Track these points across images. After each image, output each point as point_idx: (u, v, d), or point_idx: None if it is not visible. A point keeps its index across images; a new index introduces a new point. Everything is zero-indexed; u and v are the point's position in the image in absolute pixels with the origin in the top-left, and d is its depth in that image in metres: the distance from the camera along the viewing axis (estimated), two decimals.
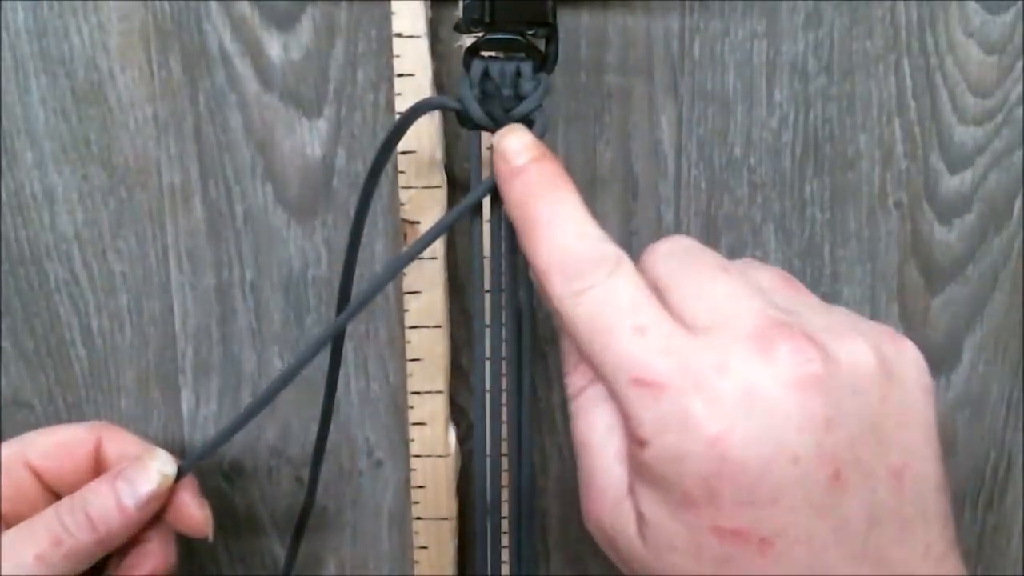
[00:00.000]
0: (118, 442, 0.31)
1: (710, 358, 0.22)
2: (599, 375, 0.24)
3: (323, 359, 0.36)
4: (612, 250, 0.24)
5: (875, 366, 0.22)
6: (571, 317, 0.24)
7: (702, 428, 0.21)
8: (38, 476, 0.30)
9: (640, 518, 0.23)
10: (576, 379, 0.26)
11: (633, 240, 0.36)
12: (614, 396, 0.23)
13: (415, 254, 0.29)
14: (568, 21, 0.34)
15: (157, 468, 0.29)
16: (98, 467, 0.31)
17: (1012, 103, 0.35)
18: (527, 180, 0.26)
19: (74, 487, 0.30)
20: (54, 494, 0.30)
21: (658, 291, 0.24)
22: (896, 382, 0.23)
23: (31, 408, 0.37)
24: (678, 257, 0.25)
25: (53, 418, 0.37)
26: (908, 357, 0.23)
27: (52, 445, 0.30)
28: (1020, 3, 0.34)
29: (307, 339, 0.36)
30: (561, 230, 0.25)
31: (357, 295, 0.29)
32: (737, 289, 0.24)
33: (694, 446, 0.22)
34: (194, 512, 0.30)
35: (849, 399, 0.22)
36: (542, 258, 0.25)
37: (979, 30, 0.34)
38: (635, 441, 0.23)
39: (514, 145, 0.26)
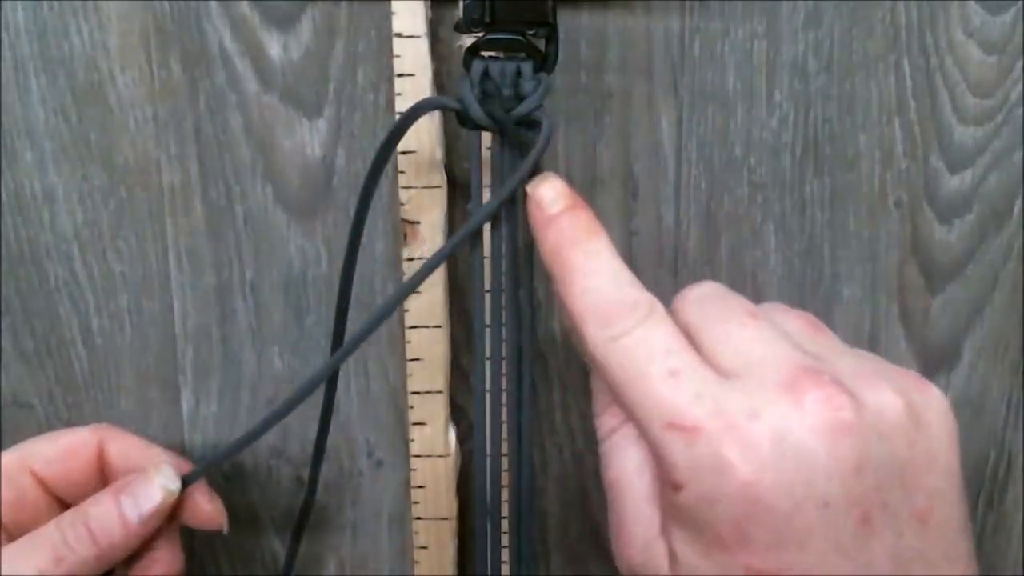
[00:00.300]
0: (121, 445, 0.31)
1: (743, 404, 0.22)
2: (632, 419, 0.24)
3: (324, 361, 0.36)
4: (645, 297, 0.25)
5: (902, 412, 0.23)
6: (606, 362, 0.24)
7: (736, 472, 0.22)
8: (41, 483, 0.30)
9: (673, 557, 0.24)
10: (606, 420, 0.27)
11: (633, 240, 0.36)
12: (647, 440, 0.24)
13: (416, 283, 0.29)
14: (568, 21, 0.34)
15: (161, 483, 0.29)
16: (101, 471, 0.31)
17: (1012, 103, 0.35)
18: (561, 228, 0.26)
19: (78, 492, 0.29)
20: (58, 500, 0.30)
21: (689, 336, 0.25)
22: (922, 427, 0.23)
23: (31, 408, 0.37)
24: (707, 303, 0.26)
25: (53, 418, 0.37)
26: (934, 403, 0.24)
27: (55, 451, 0.30)
28: (1020, 3, 0.34)
29: (308, 342, 0.36)
30: (595, 277, 0.25)
31: (353, 335, 0.28)
32: (766, 334, 0.24)
33: (728, 489, 0.22)
34: (205, 507, 0.30)
35: (877, 445, 0.22)
36: (576, 304, 0.25)
37: (979, 30, 0.34)
38: (669, 485, 0.23)
39: (548, 194, 0.27)
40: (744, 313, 0.25)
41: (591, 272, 0.25)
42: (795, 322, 0.26)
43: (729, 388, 0.23)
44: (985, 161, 0.36)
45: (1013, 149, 0.35)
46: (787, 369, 0.23)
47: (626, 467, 0.26)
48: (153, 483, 0.29)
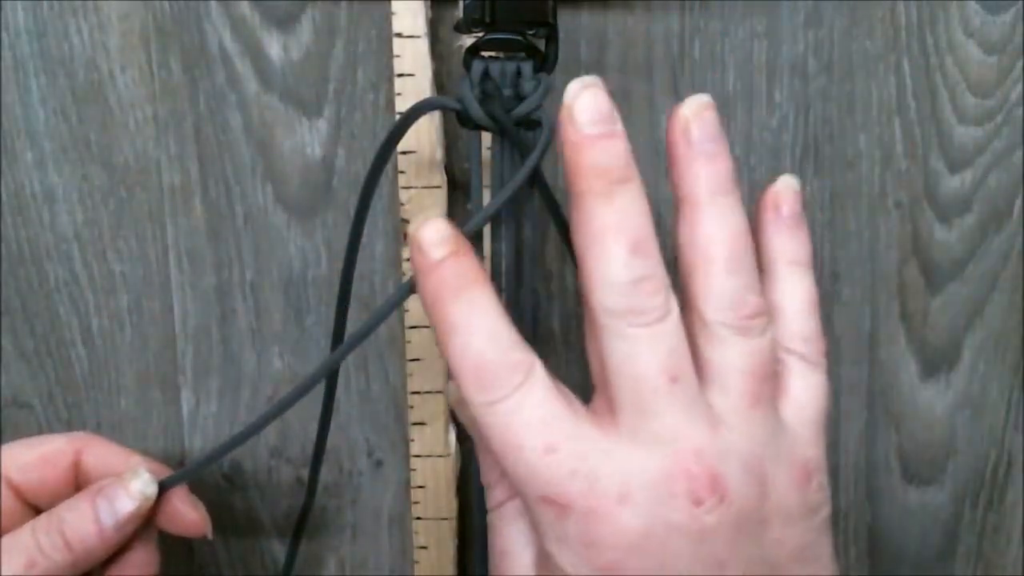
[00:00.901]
0: (100, 453, 0.30)
1: (617, 480, 0.23)
2: (513, 484, 0.25)
3: (323, 361, 0.36)
4: (524, 357, 0.24)
5: (777, 509, 0.24)
6: (486, 428, 0.24)
7: (600, 554, 0.23)
8: (16, 490, 0.29)
9: None
10: (497, 493, 0.27)
11: None
12: (526, 506, 0.24)
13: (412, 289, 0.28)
14: (568, 21, 0.34)
15: (138, 488, 0.28)
16: (79, 480, 0.30)
17: (1012, 103, 0.35)
18: (441, 277, 0.24)
19: (55, 501, 0.29)
20: (33, 508, 0.30)
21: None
22: (793, 521, 0.24)
23: (31, 408, 0.37)
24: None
25: (53, 418, 0.37)
26: (813, 496, 0.24)
27: (32, 459, 0.29)
28: (1020, 3, 0.34)
29: (308, 342, 0.36)
30: (474, 334, 0.24)
31: (347, 339, 0.28)
32: (681, 405, 0.23)
33: (590, 570, 0.23)
34: (187, 515, 0.30)
35: (745, 543, 0.23)
36: (455, 363, 0.24)
37: (979, 30, 0.34)
38: (542, 553, 0.24)
39: (431, 237, 0.25)
40: (667, 377, 0.23)
41: (470, 328, 0.24)
42: (745, 361, 0.24)
43: (607, 456, 0.23)
44: (985, 161, 0.36)
45: (1013, 149, 0.35)
46: (676, 458, 0.23)
47: (513, 539, 0.26)
48: (129, 487, 0.28)
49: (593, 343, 0.25)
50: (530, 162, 0.28)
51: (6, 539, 0.28)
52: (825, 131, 0.35)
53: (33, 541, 0.28)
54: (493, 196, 0.31)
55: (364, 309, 0.36)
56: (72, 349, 0.36)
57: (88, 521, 0.28)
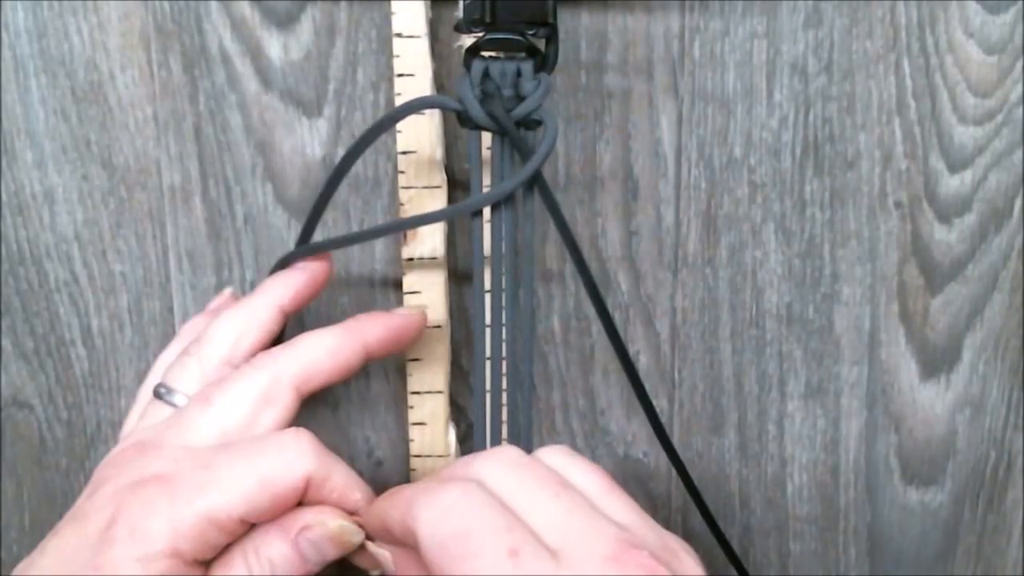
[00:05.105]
0: (333, 483, 0.29)
1: None
2: None
3: None
4: (465, 472, 0.25)
5: None
6: (435, 533, 0.24)
7: None
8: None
9: None
10: None
11: (633, 240, 0.36)
12: None
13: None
14: (568, 21, 0.34)
15: (347, 540, 0.28)
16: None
17: (1012, 103, 0.35)
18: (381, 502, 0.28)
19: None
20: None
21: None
22: None
23: (31, 408, 0.37)
24: (513, 473, 0.25)
25: (53, 418, 0.37)
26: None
27: (263, 501, 0.27)
28: (1020, 3, 0.34)
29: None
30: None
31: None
32: (580, 508, 0.25)
33: None
34: (377, 554, 0.29)
35: None
36: (405, 491, 0.26)
37: (979, 30, 0.34)
38: None
39: (353, 496, 0.28)
40: (555, 483, 0.25)
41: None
42: (591, 478, 0.26)
43: (559, 568, 0.23)
44: (985, 161, 0.36)
45: (1013, 149, 0.35)
46: (611, 543, 0.23)
47: None
48: (340, 540, 0.28)
49: None
50: (536, 159, 0.28)
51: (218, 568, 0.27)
52: (825, 131, 0.35)
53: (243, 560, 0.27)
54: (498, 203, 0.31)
55: (364, 309, 0.36)
56: (72, 349, 0.36)
57: (295, 565, 0.28)
